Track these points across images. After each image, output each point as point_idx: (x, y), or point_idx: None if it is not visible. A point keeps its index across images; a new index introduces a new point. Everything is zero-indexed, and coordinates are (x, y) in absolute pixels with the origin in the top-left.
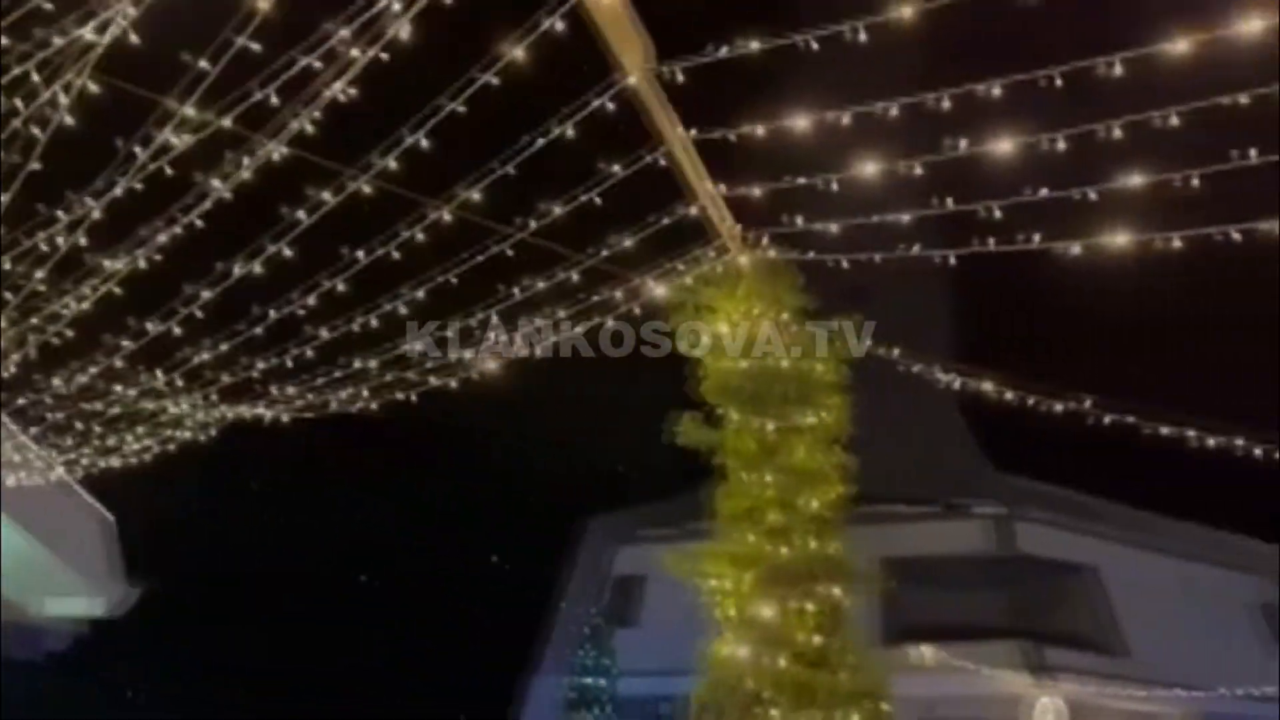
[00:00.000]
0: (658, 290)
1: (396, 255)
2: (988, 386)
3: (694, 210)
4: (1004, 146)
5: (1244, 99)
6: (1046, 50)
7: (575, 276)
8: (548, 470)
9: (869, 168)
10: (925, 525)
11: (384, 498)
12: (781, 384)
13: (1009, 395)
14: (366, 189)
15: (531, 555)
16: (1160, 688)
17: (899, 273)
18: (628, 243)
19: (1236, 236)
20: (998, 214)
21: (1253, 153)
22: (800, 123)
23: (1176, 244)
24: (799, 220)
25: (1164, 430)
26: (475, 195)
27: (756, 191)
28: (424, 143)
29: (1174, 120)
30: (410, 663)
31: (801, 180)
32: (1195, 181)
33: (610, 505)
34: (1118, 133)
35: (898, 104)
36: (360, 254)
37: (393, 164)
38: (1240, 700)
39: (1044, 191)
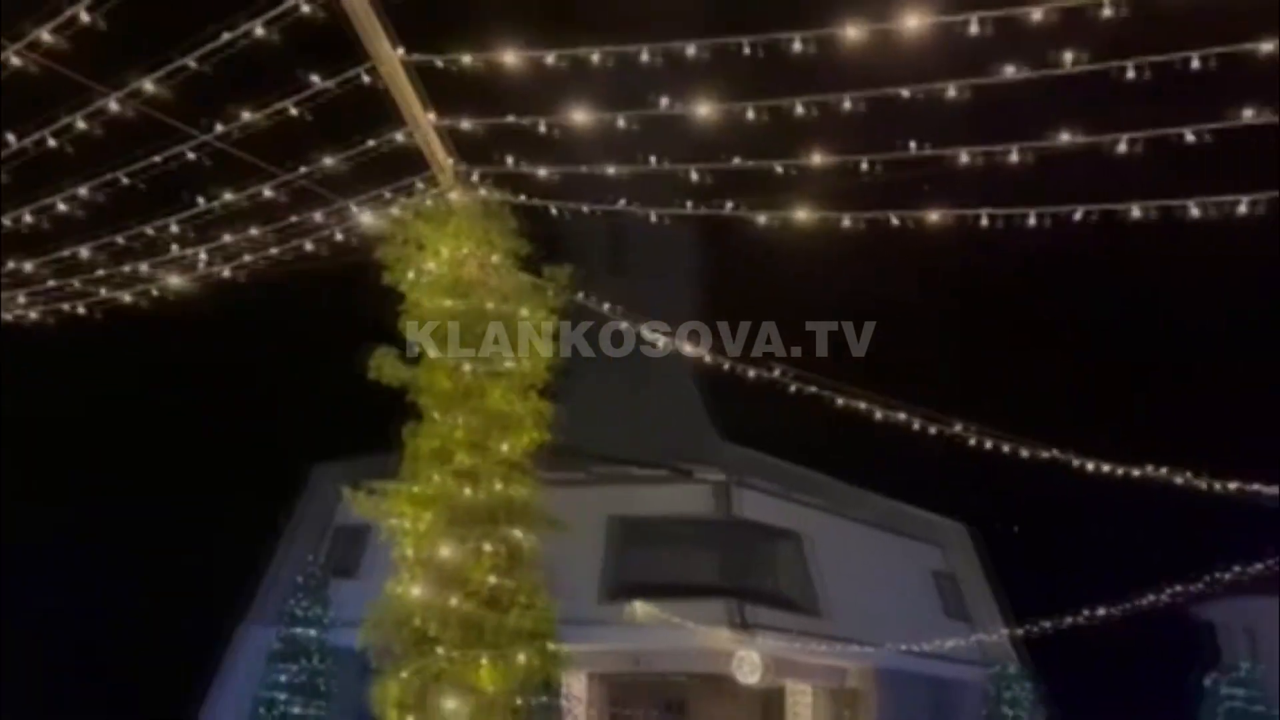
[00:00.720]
0: (366, 218)
1: (56, 144)
2: (700, 352)
3: (403, 137)
4: (705, 109)
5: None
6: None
7: (275, 193)
8: (271, 412)
9: (581, 116)
10: (652, 488)
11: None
12: (484, 326)
13: (728, 365)
14: (16, 60)
15: (256, 500)
16: (847, 644)
17: (651, 236)
18: (329, 160)
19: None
20: (722, 177)
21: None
22: (517, 58)
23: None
24: (510, 161)
25: (862, 406)
26: (150, 86)
27: (467, 124)
28: (87, 18)
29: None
30: (126, 609)
31: (512, 118)
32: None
33: (337, 452)
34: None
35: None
36: (12, 138)
37: (48, 37)
38: (914, 656)
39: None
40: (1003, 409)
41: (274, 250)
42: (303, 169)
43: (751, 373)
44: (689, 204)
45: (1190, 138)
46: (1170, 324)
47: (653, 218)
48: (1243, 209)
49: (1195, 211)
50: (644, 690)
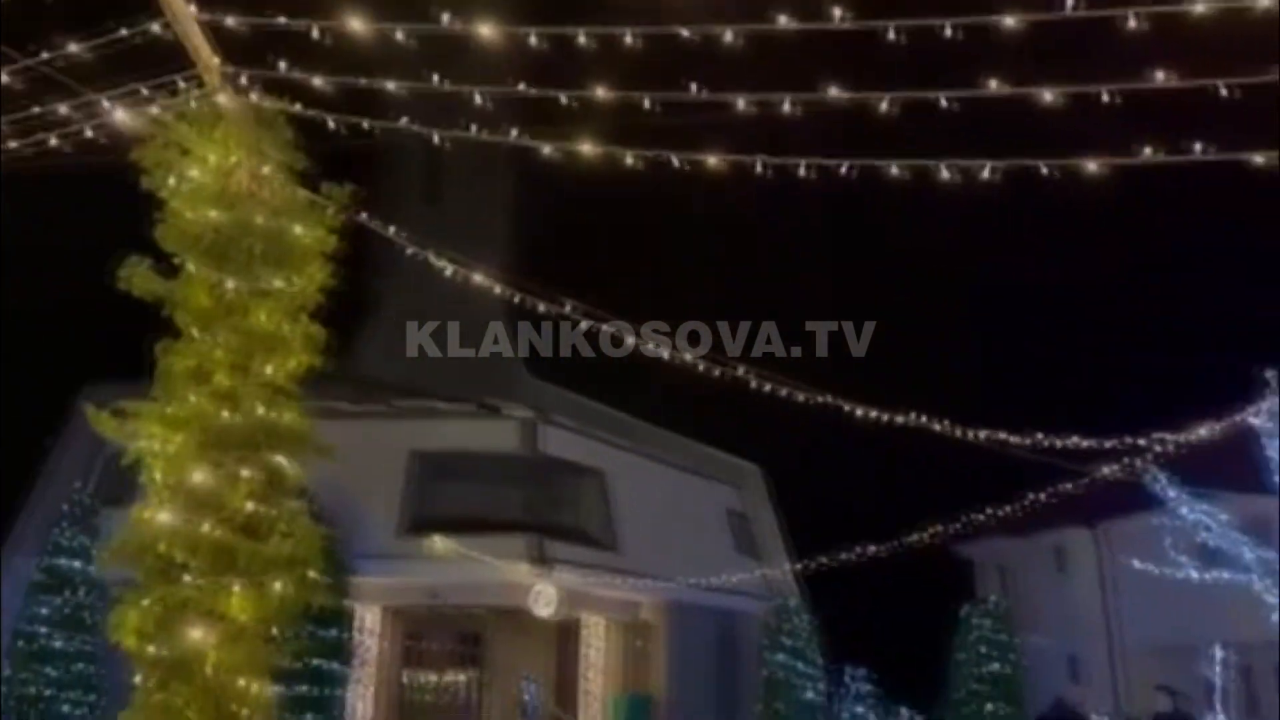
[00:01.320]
0: (120, 115)
1: None
2: (508, 287)
3: (161, 28)
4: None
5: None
6: None
7: (13, 79)
8: (37, 330)
9: (360, 25)
10: (457, 422)
11: None
12: (251, 241)
13: (543, 305)
14: None
15: (21, 425)
16: (641, 578)
17: (467, 166)
18: (75, 47)
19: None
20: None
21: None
22: None
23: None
24: (284, 67)
25: (664, 352)
26: None
27: (233, 21)
28: None
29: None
30: None
31: (284, 20)
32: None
33: (110, 373)
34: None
35: None
36: None
37: None
38: (704, 590)
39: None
40: (788, 355)
41: (12, 144)
42: (45, 54)
43: (542, 307)
44: (473, 128)
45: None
46: (936, 280)
47: (435, 139)
48: (985, 174)
49: (947, 173)
50: (440, 623)
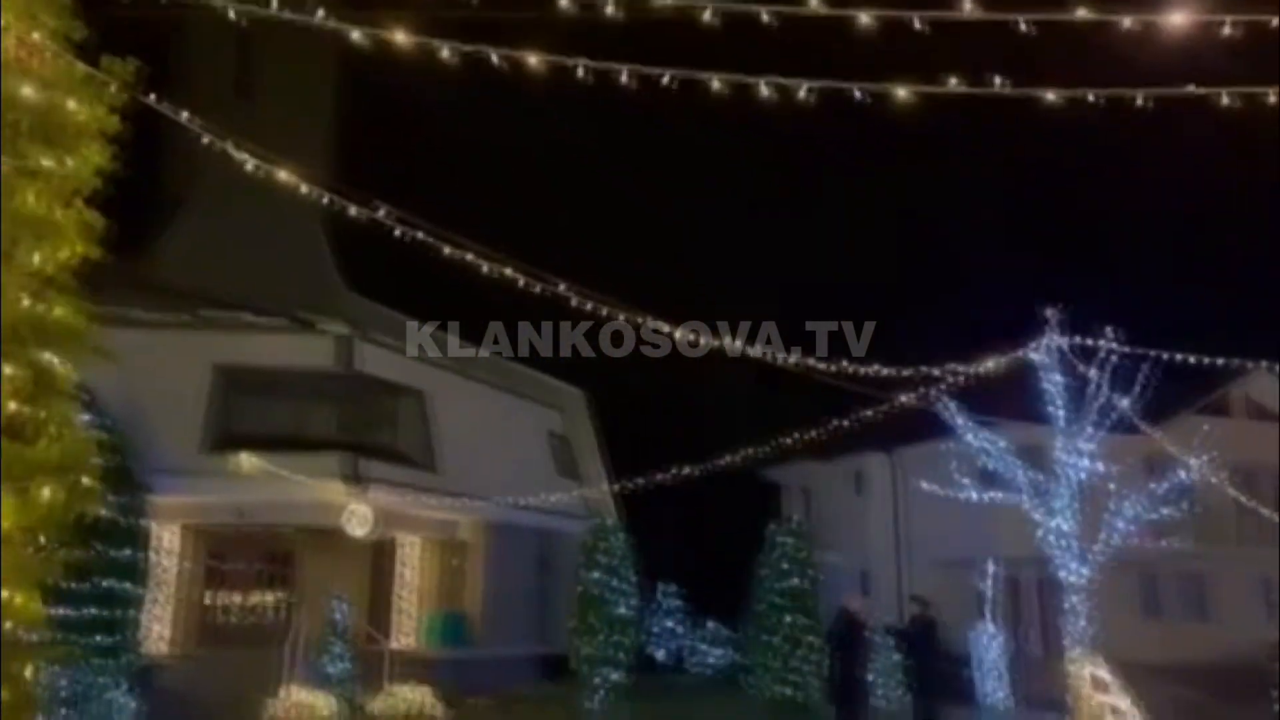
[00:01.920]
0: None
1: None
2: (327, 194)
3: None
4: None
5: None
6: None
7: None
8: None
9: None
10: (269, 336)
11: None
12: (17, 115)
13: (357, 211)
14: None
15: None
16: (459, 498)
17: (284, 60)
18: None
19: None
20: None
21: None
22: None
23: None
24: None
25: (484, 266)
26: None
27: None
28: None
29: None
30: None
31: None
32: None
33: None
34: None
35: None
36: None
37: None
38: (523, 510)
39: None
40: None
41: None
42: None
43: (354, 211)
44: (274, 3)
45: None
46: (755, 203)
47: (231, 14)
48: (766, 90)
49: (766, 90)
50: (247, 543)
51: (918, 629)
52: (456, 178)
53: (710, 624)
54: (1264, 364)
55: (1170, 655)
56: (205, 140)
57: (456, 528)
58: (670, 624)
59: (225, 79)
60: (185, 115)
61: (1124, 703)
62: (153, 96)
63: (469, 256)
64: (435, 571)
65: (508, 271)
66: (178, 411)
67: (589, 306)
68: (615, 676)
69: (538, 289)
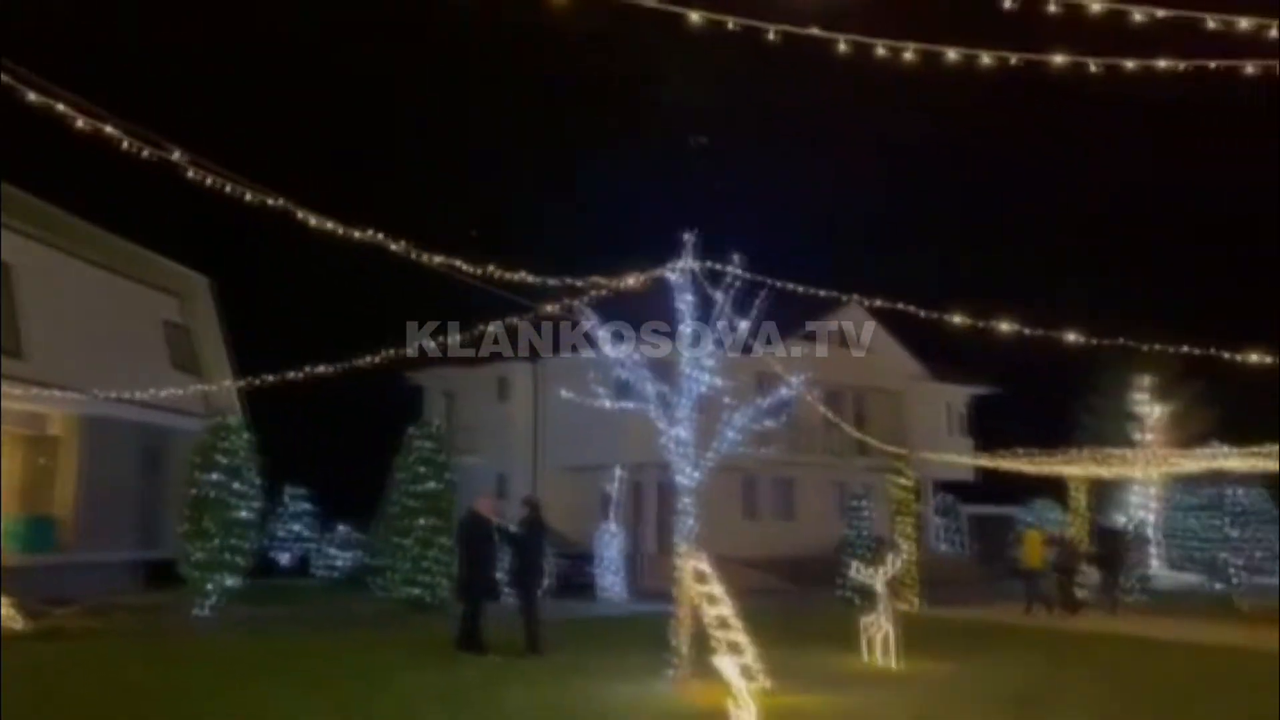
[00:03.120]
0: None
1: None
2: None
3: None
4: None
5: None
6: None
7: None
8: None
9: None
10: None
11: None
12: None
13: None
14: None
15: None
16: (50, 389)
17: None
18: None
19: None
20: None
21: None
22: None
23: None
24: None
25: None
26: None
27: None
28: None
29: None
30: None
31: None
32: None
33: None
34: None
35: None
36: None
37: None
38: (129, 405)
39: None
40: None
41: None
42: None
43: None
44: None
45: None
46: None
47: None
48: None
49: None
50: None
51: (525, 529)
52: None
53: (341, 528)
54: (855, 298)
55: (764, 550)
56: None
57: (46, 422)
58: (297, 527)
59: None
60: None
61: (718, 590)
62: None
63: (60, 107)
64: (18, 471)
65: (109, 129)
66: None
67: (222, 185)
68: (230, 582)
69: (145, 153)
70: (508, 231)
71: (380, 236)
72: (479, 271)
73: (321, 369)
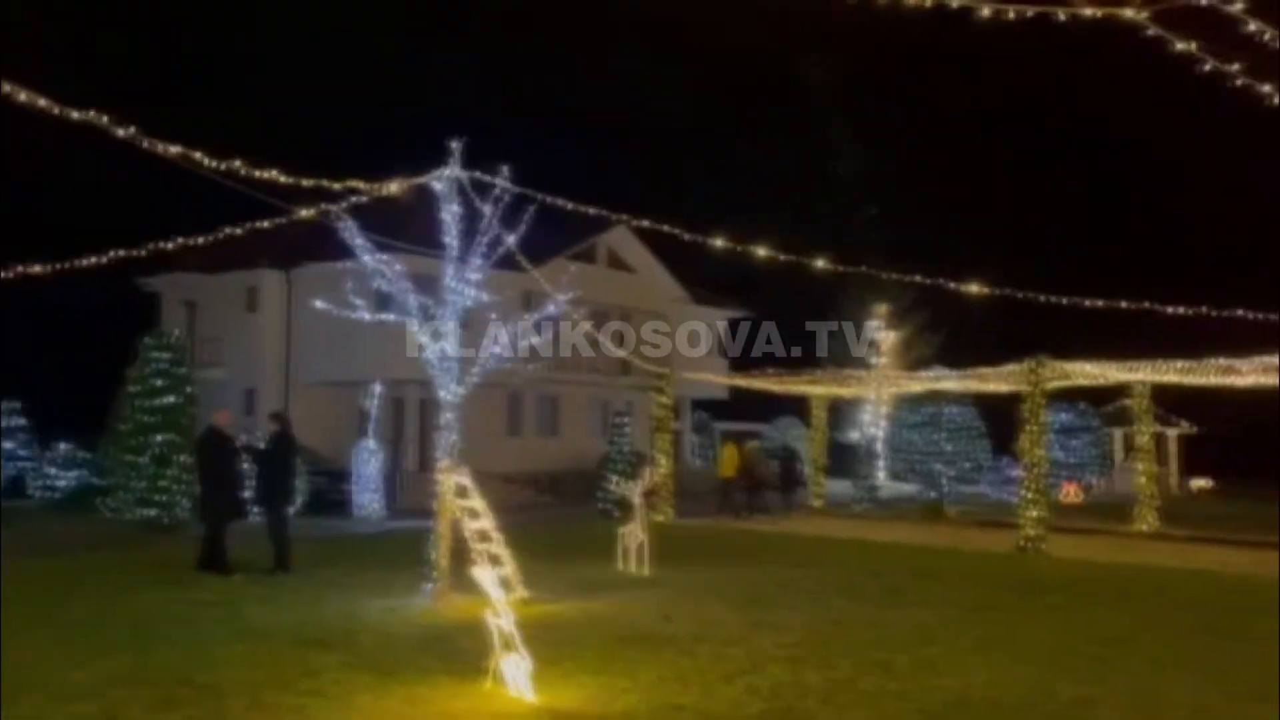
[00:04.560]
0: None
1: None
2: None
3: None
4: None
5: None
6: None
7: None
8: None
9: None
10: None
11: None
12: None
13: None
14: None
15: None
16: None
17: None
18: None
19: None
20: None
21: None
22: None
23: None
24: None
25: None
26: None
27: None
28: None
29: None
30: None
31: None
32: None
33: None
34: None
35: None
36: None
37: None
38: None
39: None
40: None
41: None
42: None
43: None
44: None
45: None
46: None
47: None
48: None
49: None
50: None
51: (273, 445)
52: None
53: (63, 445)
54: (625, 218)
55: (528, 465)
56: None
57: None
58: (10, 445)
59: None
60: None
61: (479, 504)
62: None
63: None
64: None
65: None
66: None
67: None
68: None
69: None
70: (262, 131)
71: (105, 120)
72: (222, 166)
73: (36, 269)
